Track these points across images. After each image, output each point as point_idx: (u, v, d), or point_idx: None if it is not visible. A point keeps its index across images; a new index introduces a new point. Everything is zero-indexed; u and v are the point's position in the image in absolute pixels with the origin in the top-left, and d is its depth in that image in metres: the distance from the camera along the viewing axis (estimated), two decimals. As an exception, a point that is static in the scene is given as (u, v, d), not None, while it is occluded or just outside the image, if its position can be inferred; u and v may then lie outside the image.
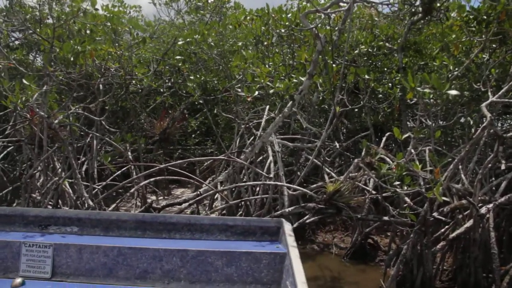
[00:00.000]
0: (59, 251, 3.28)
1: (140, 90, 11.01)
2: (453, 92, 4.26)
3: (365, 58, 8.82)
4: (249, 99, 5.76)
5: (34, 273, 3.25)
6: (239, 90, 7.09)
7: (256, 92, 5.76)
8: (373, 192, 6.18)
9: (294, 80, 6.42)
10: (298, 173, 8.72)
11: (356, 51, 8.48)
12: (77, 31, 7.30)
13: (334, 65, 6.37)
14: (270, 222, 3.78)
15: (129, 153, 8.90)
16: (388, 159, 6.09)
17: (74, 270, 3.27)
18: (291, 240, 3.30)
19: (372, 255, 6.78)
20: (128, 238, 3.70)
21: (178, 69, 10.51)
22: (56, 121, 5.40)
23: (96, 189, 7.11)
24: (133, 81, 10.70)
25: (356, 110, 9.49)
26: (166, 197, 10.49)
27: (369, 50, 8.47)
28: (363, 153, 5.25)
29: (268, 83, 5.96)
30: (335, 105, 5.68)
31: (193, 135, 11.73)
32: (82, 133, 6.83)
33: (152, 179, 6.53)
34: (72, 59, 5.35)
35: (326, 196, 5.23)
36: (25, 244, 3.29)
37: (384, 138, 7.51)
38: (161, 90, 11.54)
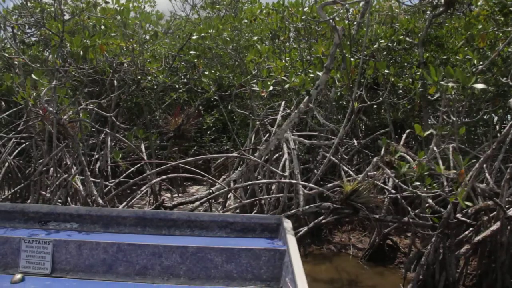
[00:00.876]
0: (58, 247, 3.26)
1: (155, 86, 10.91)
2: (480, 85, 3.99)
3: (385, 53, 8.56)
4: (263, 94, 5.56)
5: (34, 269, 3.23)
6: (254, 85, 6.90)
7: (271, 87, 5.55)
8: (393, 191, 5.93)
9: (311, 75, 6.20)
10: (315, 171, 8.50)
11: (376, 46, 8.23)
12: (92, 27, 7.20)
13: (352, 59, 6.11)
14: (270, 219, 3.78)
15: (143, 149, 8.81)
16: (408, 157, 5.83)
17: (74, 266, 3.26)
18: (290, 236, 3.26)
19: (391, 257, 6.52)
20: (128, 234, 3.71)
21: (194, 65, 10.37)
22: (65, 117, 5.29)
23: (109, 187, 7.00)
24: (148, 77, 10.66)
25: (375, 106, 9.23)
26: (181, 195, 10.37)
27: (389, 44, 8.19)
28: (382, 151, 4.99)
29: (283, 77, 5.75)
30: (353, 101, 5.44)
31: (208, 132, 11.57)
32: (93, 129, 6.70)
33: (164, 177, 6.40)
34: (81, 53, 5.21)
35: (343, 196, 4.99)
36: (25, 240, 3.28)
37: (404, 136, 7.25)
38: (177, 86, 11.42)
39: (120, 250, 3.24)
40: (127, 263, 3.23)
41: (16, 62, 8.28)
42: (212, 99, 10.75)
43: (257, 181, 6.04)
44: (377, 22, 9.12)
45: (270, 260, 3.20)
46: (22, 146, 8.01)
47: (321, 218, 5.32)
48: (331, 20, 5.20)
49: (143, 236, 3.69)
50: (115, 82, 8.60)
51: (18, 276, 3.12)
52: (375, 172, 5.39)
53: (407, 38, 8.17)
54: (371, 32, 8.55)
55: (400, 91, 8.54)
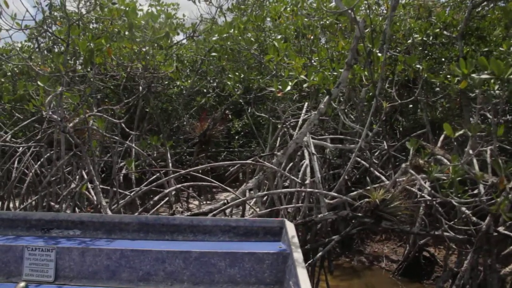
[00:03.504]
0: (62, 254, 3.25)
1: (183, 92, 10.70)
2: (521, 77, 3.41)
3: (420, 48, 7.96)
4: (279, 95, 5.12)
5: (37, 277, 3.22)
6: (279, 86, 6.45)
7: (289, 87, 5.10)
8: (428, 198, 5.33)
9: (334, 73, 5.72)
10: (346, 176, 7.98)
11: (410, 41, 7.64)
12: (117, 33, 7.00)
13: (379, 55, 5.56)
14: (273, 222, 3.74)
15: (169, 157, 8.55)
16: (446, 161, 5.23)
17: (77, 273, 3.24)
18: (293, 240, 3.22)
19: (428, 271, 5.93)
20: (131, 240, 3.70)
21: (222, 68, 10.08)
22: (71, 125, 5.06)
23: (129, 196, 6.78)
24: (177, 83, 10.45)
25: (411, 105, 8.60)
26: (209, 202, 10.08)
27: (424, 39, 7.57)
28: (410, 155, 4.44)
29: (302, 76, 5.29)
30: (377, 98, 4.92)
31: (236, 137, 11.23)
32: (112, 137, 6.45)
33: (179, 186, 6.10)
34: (87, 57, 4.98)
35: (370, 206, 4.47)
36: (28, 248, 3.26)
37: (442, 137, 6.61)
38: (204, 90, 11.16)
39: (123, 256, 3.22)
40: (131, 269, 3.20)
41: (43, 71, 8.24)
42: (242, 103, 10.40)
43: (275, 191, 5.59)
44: (412, 17, 8.50)
45: (274, 263, 3.16)
46: (48, 154, 7.94)
47: (348, 229, 4.79)
48: (349, 11, 4.70)
49: (146, 241, 3.66)
50: (141, 88, 8.42)
51: (22, 284, 3.04)
52: (404, 178, 4.83)
53: (445, 32, 7.52)
54: (404, 26, 7.98)
55: (438, 89, 7.88)
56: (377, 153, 8.19)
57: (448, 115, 8.31)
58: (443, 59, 7.76)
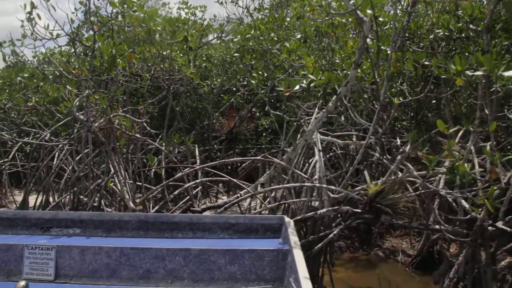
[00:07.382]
0: (61, 253, 3.25)
1: (214, 90, 11.08)
2: (508, 73, 3.48)
3: (444, 43, 7.91)
4: (287, 94, 5.33)
5: (38, 275, 3.21)
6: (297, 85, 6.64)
7: (297, 86, 5.30)
8: (442, 192, 5.37)
9: (345, 71, 5.88)
10: (365, 172, 8.08)
11: (431, 36, 7.63)
12: (147, 36, 7.42)
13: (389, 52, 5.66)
14: (272, 219, 3.74)
15: (197, 153, 8.93)
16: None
17: (77, 272, 3.24)
18: (293, 236, 3.22)
19: (441, 265, 5.96)
20: (131, 238, 3.71)
21: (251, 67, 10.36)
22: (96, 124, 5.46)
23: (156, 191, 7.17)
24: (207, 81, 10.83)
25: (434, 101, 8.57)
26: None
27: (446, 33, 7.53)
28: (407, 147, 4.54)
29: (310, 76, 5.46)
30: (382, 98, 5.04)
31: (264, 134, 11.49)
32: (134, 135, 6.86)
33: (198, 180, 6.44)
34: (110, 62, 5.36)
35: (367, 199, 4.62)
36: (28, 246, 3.26)
37: (460, 132, 6.60)
38: (234, 89, 11.49)
39: (123, 254, 3.22)
40: (131, 267, 3.21)
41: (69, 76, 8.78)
42: (272, 101, 10.63)
43: (280, 186, 5.80)
44: (436, 11, 8.45)
45: (273, 260, 3.16)
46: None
47: (347, 223, 4.94)
48: (356, 11, 4.83)
49: (145, 239, 3.69)
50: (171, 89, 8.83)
51: (22, 283, 2.97)
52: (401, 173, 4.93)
53: (471, 26, 7.43)
54: (427, 21, 7.97)
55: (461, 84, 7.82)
56: (399, 151, 8.23)
57: (474, 110, 8.21)
58: (466, 54, 7.68)
